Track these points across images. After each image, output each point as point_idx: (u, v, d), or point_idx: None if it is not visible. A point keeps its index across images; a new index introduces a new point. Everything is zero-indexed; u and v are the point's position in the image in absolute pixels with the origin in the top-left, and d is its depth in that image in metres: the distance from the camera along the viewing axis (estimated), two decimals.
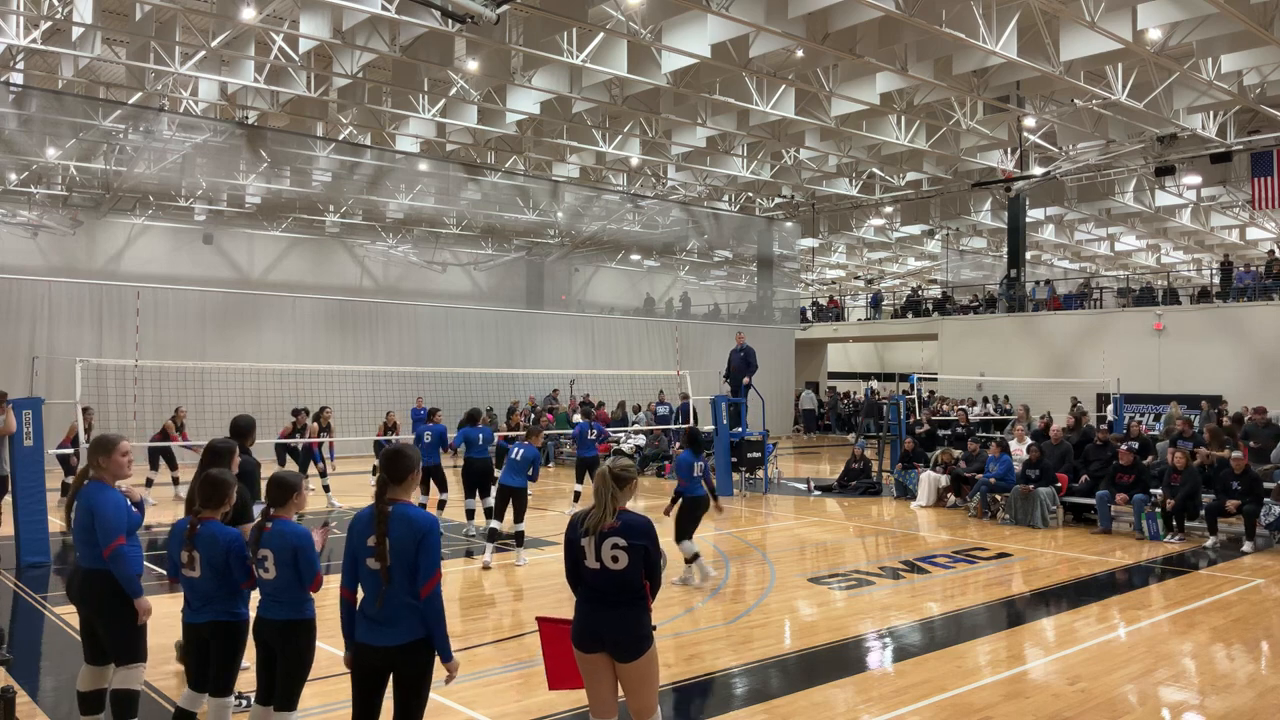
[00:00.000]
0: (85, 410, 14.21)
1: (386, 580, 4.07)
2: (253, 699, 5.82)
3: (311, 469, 15.33)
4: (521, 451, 10.59)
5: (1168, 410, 22.13)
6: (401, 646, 4.09)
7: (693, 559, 9.40)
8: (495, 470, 12.92)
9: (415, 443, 13.12)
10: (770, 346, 29.05)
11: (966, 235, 37.80)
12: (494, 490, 12.54)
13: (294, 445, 15.54)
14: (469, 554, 11.41)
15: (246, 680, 5.85)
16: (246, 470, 6.00)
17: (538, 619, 4.72)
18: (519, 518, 10.61)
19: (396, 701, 4.18)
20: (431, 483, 13.00)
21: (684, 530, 9.44)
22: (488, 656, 7.14)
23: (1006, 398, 27.56)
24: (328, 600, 4.83)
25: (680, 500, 9.59)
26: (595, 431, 14.75)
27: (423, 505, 12.80)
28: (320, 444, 15.48)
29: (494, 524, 10.80)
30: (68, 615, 8.13)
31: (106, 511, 4.85)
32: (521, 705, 5.97)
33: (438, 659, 4.16)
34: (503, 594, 9.46)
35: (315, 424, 15.57)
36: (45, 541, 10.36)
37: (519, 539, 10.68)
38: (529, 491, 11.02)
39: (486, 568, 10.45)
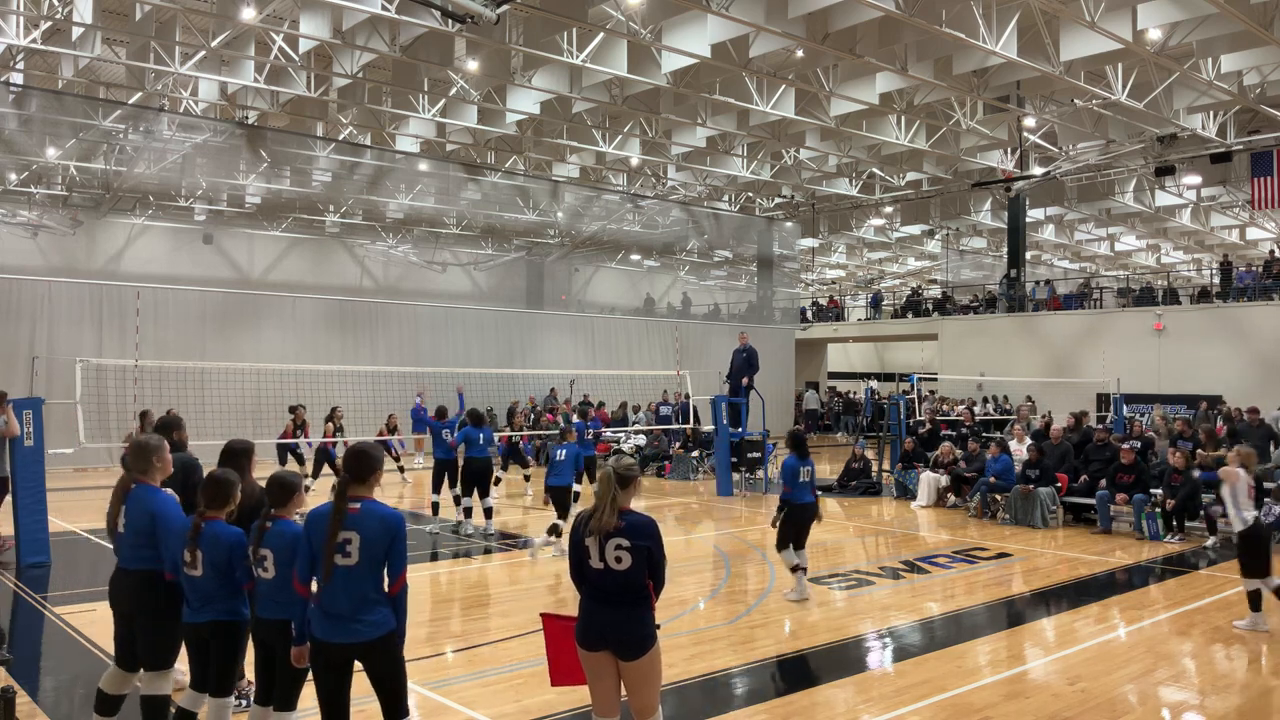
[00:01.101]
0: (144, 414, 14.15)
1: (327, 575, 4.16)
2: (252, 699, 5.84)
3: (321, 469, 15.28)
4: (564, 452, 11.03)
5: (1151, 411, 22.15)
6: (369, 643, 4.18)
7: (794, 569, 8.85)
8: (495, 470, 12.96)
9: (433, 439, 13.23)
10: (770, 346, 29.02)
11: (966, 235, 37.79)
12: (493, 490, 12.64)
13: (297, 446, 15.51)
14: (468, 554, 11.40)
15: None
16: (190, 466, 5.96)
17: (542, 615, 4.74)
18: (562, 513, 11.02)
19: (379, 695, 4.26)
20: (445, 477, 13.06)
21: (784, 538, 8.91)
22: (487, 656, 7.14)
23: (1006, 398, 27.57)
24: None
25: (785, 508, 8.95)
26: (593, 431, 14.77)
27: (437, 504, 13.01)
28: (334, 443, 15.47)
29: (560, 523, 11.00)
30: (68, 615, 8.14)
31: (171, 513, 4.90)
32: (521, 705, 5.97)
33: None
34: (503, 594, 9.46)
35: (330, 424, 15.54)
36: (45, 542, 10.36)
37: (554, 531, 11.03)
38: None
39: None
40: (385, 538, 4.21)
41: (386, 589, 4.27)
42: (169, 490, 5.16)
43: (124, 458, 5.38)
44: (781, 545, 8.97)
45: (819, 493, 13.49)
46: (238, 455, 5.56)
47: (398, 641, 4.26)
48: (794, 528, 8.94)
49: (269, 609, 4.61)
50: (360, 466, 4.33)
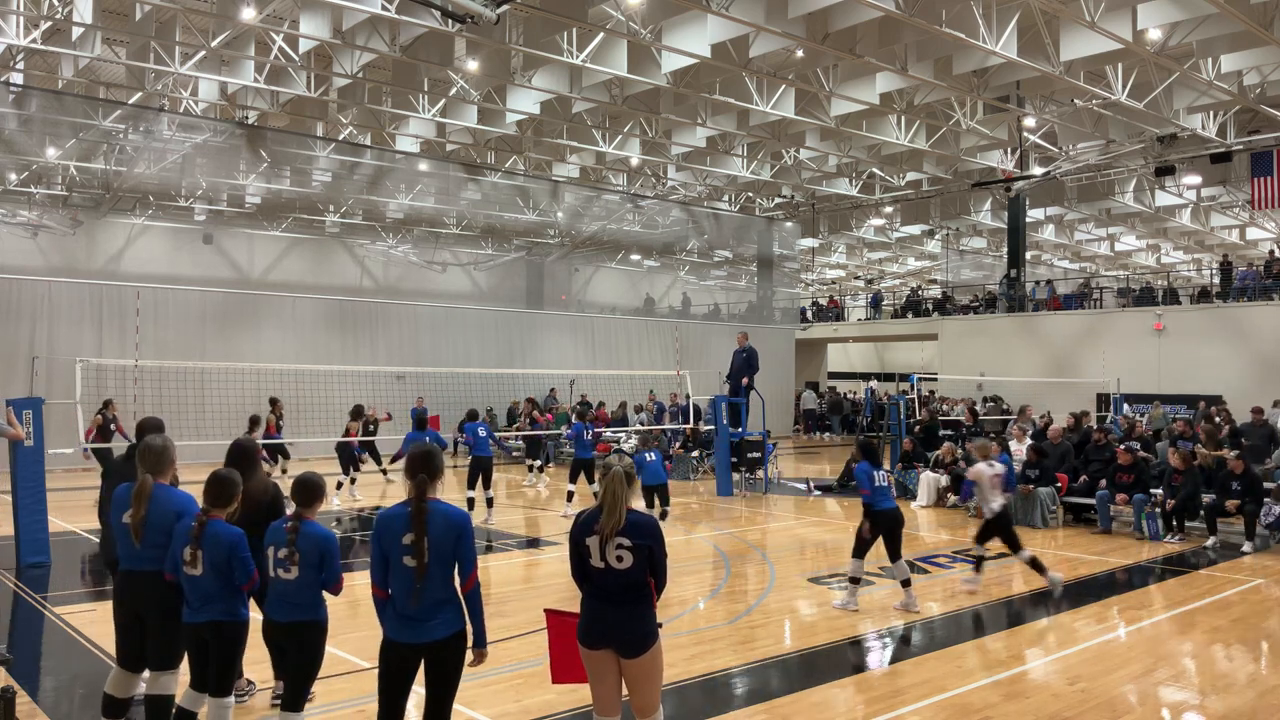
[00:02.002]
0: (108, 403, 14.22)
1: (421, 578, 4.13)
2: (250, 696, 5.84)
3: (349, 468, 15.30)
4: (653, 456, 12.28)
5: (1149, 410, 22.12)
6: (439, 642, 4.18)
7: (853, 580, 8.50)
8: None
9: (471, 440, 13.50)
10: (770, 346, 29.02)
11: (966, 235, 37.78)
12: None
13: (282, 443, 15.52)
14: None
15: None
16: None
17: (546, 611, 4.74)
18: (665, 502, 12.34)
19: (430, 694, 4.26)
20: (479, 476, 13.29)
21: (863, 547, 8.48)
22: (487, 656, 7.12)
23: (1000, 398, 27.55)
24: (332, 602, 4.85)
25: (868, 514, 8.57)
26: (591, 432, 14.79)
27: (471, 500, 13.10)
28: (358, 441, 15.49)
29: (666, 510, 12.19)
30: (68, 615, 8.14)
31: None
32: (521, 705, 5.97)
33: None
34: (502, 594, 9.46)
35: (356, 423, 15.54)
36: (45, 542, 10.36)
37: (663, 517, 12.05)
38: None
39: None
40: (451, 536, 4.20)
41: (458, 588, 4.27)
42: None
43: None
44: (858, 554, 8.50)
45: (818, 491, 13.58)
46: (246, 452, 5.60)
47: (461, 643, 4.25)
48: (884, 535, 8.51)
49: (284, 611, 4.64)
50: (435, 466, 4.32)
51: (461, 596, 4.25)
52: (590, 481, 14.29)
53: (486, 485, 13.25)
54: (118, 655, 5.05)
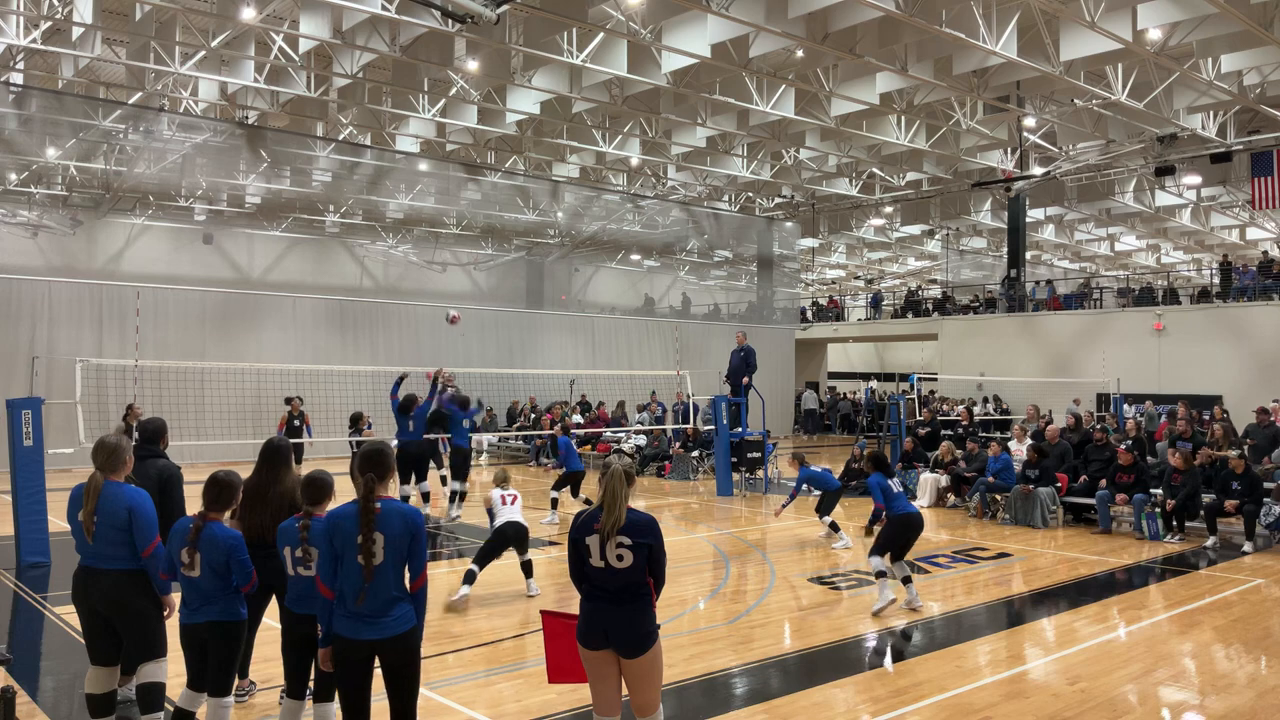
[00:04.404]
0: (130, 407, 14.28)
1: (370, 577, 4.15)
2: (250, 696, 5.84)
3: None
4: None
5: (1144, 409, 22.12)
6: (393, 638, 4.19)
7: (878, 575, 8.44)
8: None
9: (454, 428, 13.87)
10: (770, 346, 29.04)
11: (966, 235, 37.80)
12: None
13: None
14: (462, 555, 11.40)
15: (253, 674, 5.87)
16: (167, 476, 5.91)
17: (542, 613, 4.75)
18: (828, 510, 12.41)
19: (392, 692, 4.26)
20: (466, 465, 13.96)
21: (883, 546, 8.52)
22: (487, 656, 7.14)
23: (997, 397, 27.54)
24: None
25: (886, 519, 8.73)
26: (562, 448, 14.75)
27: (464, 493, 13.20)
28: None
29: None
30: (68, 615, 8.13)
31: (149, 510, 4.93)
32: (522, 705, 5.97)
33: None
34: (502, 594, 9.45)
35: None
36: (45, 541, 10.34)
37: (834, 527, 12.18)
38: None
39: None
40: (406, 535, 4.23)
41: (407, 586, 4.29)
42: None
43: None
44: (877, 552, 8.54)
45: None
46: (280, 451, 5.70)
47: (415, 638, 4.28)
48: (897, 537, 8.55)
49: (310, 605, 4.66)
50: (384, 465, 4.34)
51: (410, 595, 4.29)
52: (575, 495, 14.15)
53: (460, 478, 13.77)
54: (88, 652, 5.04)
